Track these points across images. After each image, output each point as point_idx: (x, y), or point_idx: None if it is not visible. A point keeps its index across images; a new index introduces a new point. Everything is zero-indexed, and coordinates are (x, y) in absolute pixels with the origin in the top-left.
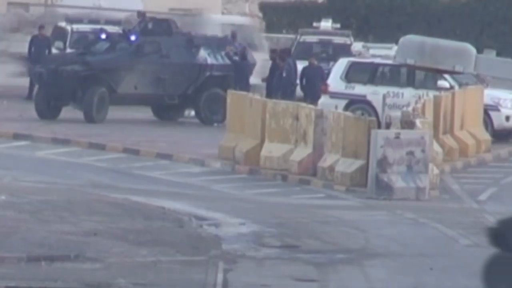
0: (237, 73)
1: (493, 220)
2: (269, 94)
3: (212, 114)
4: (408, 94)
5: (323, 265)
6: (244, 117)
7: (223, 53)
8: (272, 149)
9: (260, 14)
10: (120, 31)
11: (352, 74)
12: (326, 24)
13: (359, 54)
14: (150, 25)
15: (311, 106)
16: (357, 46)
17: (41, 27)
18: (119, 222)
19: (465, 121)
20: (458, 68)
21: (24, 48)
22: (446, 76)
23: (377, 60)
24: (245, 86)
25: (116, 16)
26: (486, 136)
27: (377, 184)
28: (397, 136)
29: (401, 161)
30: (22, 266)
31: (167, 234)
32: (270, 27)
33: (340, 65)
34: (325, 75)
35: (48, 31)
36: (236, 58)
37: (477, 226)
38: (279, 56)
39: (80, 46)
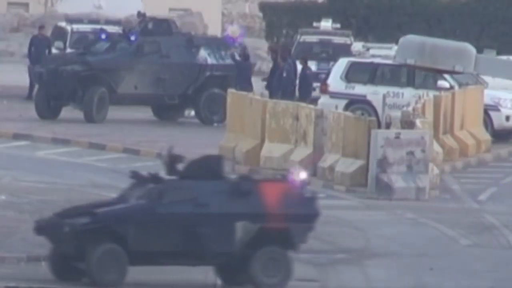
0: (240, 74)
1: (493, 220)
2: (271, 95)
3: (212, 114)
4: (408, 94)
5: (323, 265)
6: (244, 117)
7: (227, 53)
8: (272, 149)
9: (260, 14)
10: (120, 31)
11: (352, 74)
12: (326, 24)
13: (359, 54)
14: (150, 25)
15: (311, 106)
16: (357, 46)
17: (41, 27)
18: None
19: (465, 121)
20: (458, 68)
21: None
22: (446, 76)
23: (377, 60)
24: (248, 86)
25: (116, 16)
26: (486, 136)
27: (377, 184)
28: (397, 136)
29: (401, 161)
30: (22, 266)
31: None
32: (270, 27)
33: (340, 65)
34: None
35: (48, 31)
36: (238, 58)
37: (477, 226)
38: (280, 56)
39: (80, 46)
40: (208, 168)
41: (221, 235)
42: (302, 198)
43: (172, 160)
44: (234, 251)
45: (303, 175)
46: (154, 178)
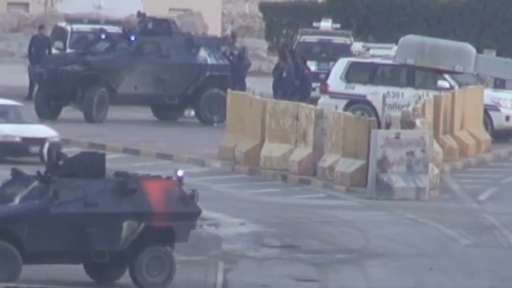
0: (233, 73)
1: (493, 220)
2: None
3: (212, 114)
4: (408, 94)
5: (323, 265)
6: (244, 117)
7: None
8: (272, 149)
9: (260, 14)
10: (120, 31)
11: (352, 74)
12: (326, 24)
13: (359, 54)
14: (150, 25)
15: (311, 106)
16: (357, 46)
17: (41, 27)
18: None
19: (465, 121)
20: (458, 68)
21: None
22: (446, 76)
23: (377, 60)
24: (241, 86)
25: (116, 16)
26: (486, 136)
27: (377, 184)
28: (397, 136)
29: (401, 161)
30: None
31: None
32: (270, 27)
33: (340, 65)
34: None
35: (48, 31)
36: (231, 58)
37: (477, 226)
38: (280, 56)
39: (80, 46)
40: (90, 166)
41: (107, 234)
42: (183, 196)
43: (56, 157)
44: (119, 250)
45: (180, 173)
46: (40, 177)
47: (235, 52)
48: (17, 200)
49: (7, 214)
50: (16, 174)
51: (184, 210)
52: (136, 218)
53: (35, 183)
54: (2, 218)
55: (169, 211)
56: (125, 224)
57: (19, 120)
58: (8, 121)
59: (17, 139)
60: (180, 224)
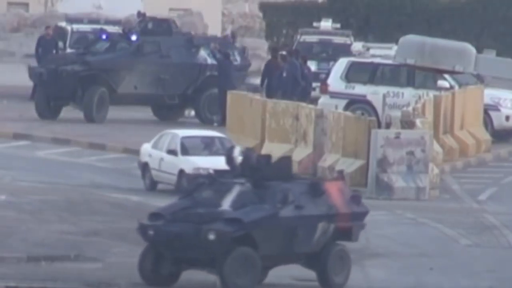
0: (219, 72)
1: (493, 220)
2: (270, 95)
3: (212, 114)
4: (408, 94)
5: None
6: (244, 117)
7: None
8: (272, 149)
9: (260, 14)
10: (120, 31)
11: (352, 74)
12: (326, 24)
13: (359, 54)
14: (150, 25)
15: (311, 106)
16: (357, 46)
17: (48, 28)
18: (119, 222)
19: (465, 121)
20: (458, 68)
21: None
22: (446, 76)
23: (377, 60)
24: (228, 85)
25: (116, 16)
26: (486, 136)
27: (377, 184)
28: (397, 136)
29: (401, 161)
30: (22, 266)
31: None
32: (270, 27)
33: (340, 65)
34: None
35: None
36: (218, 56)
37: (477, 226)
38: (281, 56)
39: (80, 46)
40: (281, 169)
41: (307, 236)
42: (354, 196)
43: (254, 161)
44: (315, 251)
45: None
46: (253, 182)
47: (217, 51)
48: (225, 205)
49: (250, 219)
50: (211, 178)
51: (359, 210)
52: (328, 220)
53: (240, 188)
54: (248, 223)
55: (350, 212)
56: (319, 226)
57: (223, 152)
58: (211, 153)
59: (210, 172)
60: (356, 225)
